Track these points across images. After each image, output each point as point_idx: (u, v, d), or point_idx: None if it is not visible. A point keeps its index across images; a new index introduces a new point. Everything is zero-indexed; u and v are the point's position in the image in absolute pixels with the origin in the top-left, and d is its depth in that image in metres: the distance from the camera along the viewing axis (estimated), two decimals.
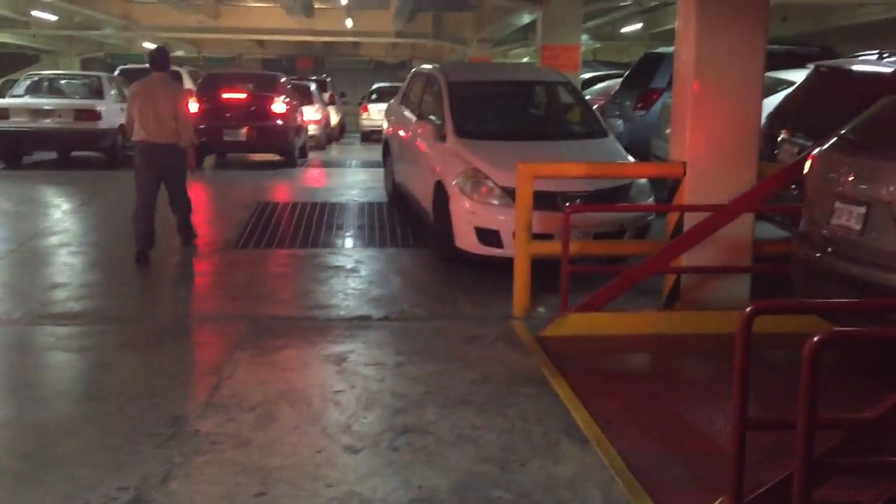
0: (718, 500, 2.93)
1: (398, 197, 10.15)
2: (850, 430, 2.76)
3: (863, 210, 4.28)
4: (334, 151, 20.32)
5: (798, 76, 8.21)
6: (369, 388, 4.51)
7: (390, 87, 25.99)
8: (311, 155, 17.85)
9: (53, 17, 25.82)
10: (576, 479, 3.46)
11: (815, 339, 2.49)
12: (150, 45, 34.08)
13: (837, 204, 4.47)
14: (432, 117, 8.48)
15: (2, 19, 24.88)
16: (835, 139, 4.78)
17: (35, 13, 24.88)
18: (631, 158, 7.71)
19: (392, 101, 11.55)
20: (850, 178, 4.45)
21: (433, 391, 4.45)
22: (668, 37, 24.39)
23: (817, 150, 4.87)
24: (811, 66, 7.77)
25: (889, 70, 6.50)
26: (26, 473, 3.49)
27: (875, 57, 7.63)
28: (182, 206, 7.97)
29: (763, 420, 3.05)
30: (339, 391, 4.47)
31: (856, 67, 7.21)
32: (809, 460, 2.52)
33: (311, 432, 3.92)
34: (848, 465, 2.73)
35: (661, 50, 13.61)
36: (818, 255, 4.57)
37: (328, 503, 3.25)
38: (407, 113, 9.71)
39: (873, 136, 4.69)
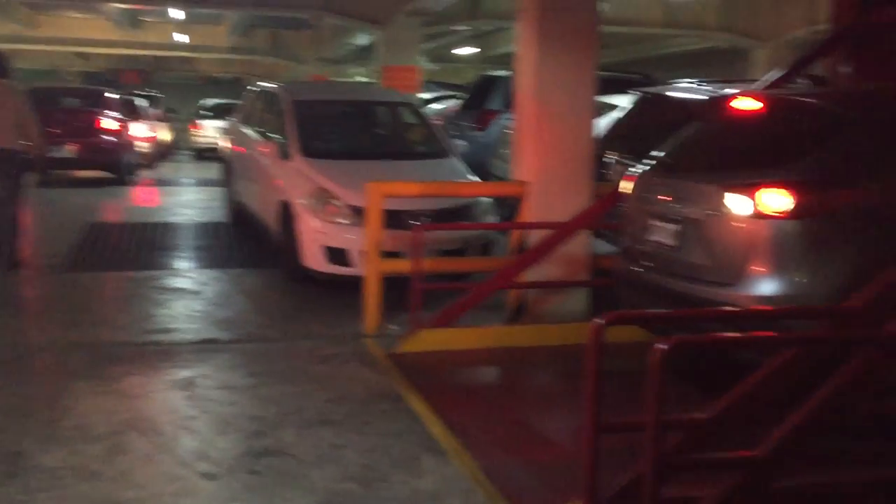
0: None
1: (240, 216, 9.93)
2: (691, 430, 3.00)
3: (676, 228, 4.61)
4: (166, 169, 19.59)
5: (621, 101, 8.77)
6: (222, 413, 4.41)
7: (225, 103, 25.41)
8: (143, 173, 17.14)
9: None
10: (438, 491, 3.54)
11: (664, 346, 2.70)
12: None
13: (654, 222, 4.79)
14: (276, 136, 8.39)
15: None
16: (650, 161, 5.16)
17: None
18: (474, 178, 7.95)
19: (232, 118, 11.32)
20: (664, 199, 4.78)
21: (289, 412, 4.41)
22: (502, 60, 25.39)
23: (634, 171, 5.23)
24: (637, 92, 8.33)
25: (704, 97, 7.08)
26: None
27: (694, 84, 8.30)
28: (7, 222, 7.45)
29: (614, 424, 3.26)
30: (190, 417, 4.34)
31: (675, 94, 7.81)
32: (658, 459, 2.72)
33: (165, 461, 3.78)
34: (691, 462, 2.97)
35: (496, 73, 14.12)
36: (638, 269, 4.89)
37: None
38: (249, 131, 9.56)
39: (683, 159, 5.07)
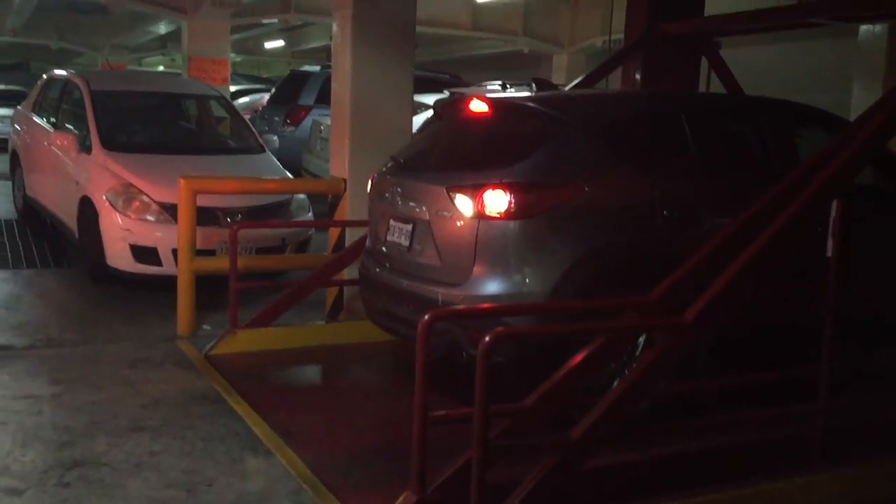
0: (403, 496, 3.17)
1: (31, 212, 9.24)
2: (514, 417, 3.16)
3: (408, 228, 4.68)
4: None
5: (432, 99, 8.97)
6: (24, 424, 4.11)
7: (6, 90, 23.41)
8: None
9: None
10: (265, 492, 3.50)
11: (487, 338, 2.83)
12: None
13: (390, 222, 4.83)
14: (73, 127, 7.88)
15: None
16: (389, 161, 5.20)
17: None
18: (288, 174, 7.86)
19: (20, 106, 10.47)
20: (398, 198, 4.74)
21: (100, 420, 4.19)
22: (309, 54, 25.14)
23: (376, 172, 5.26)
24: (449, 92, 8.57)
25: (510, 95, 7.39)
26: None
27: (499, 86, 8.67)
28: None
29: (442, 415, 3.37)
30: None
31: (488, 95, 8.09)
32: (485, 445, 2.85)
33: None
34: (513, 447, 3.13)
35: (307, 68, 14.05)
36: (377, 269, 4.87)
37: None
38: (40, 121, 8.90)
39: (416, 159, 5.16)
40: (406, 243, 4.61)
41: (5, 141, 11.56)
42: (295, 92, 13.20)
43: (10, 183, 10.52)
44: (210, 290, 6.01)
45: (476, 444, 2.85)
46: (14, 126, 10.32)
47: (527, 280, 4.11)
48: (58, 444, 3.88)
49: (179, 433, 4.08)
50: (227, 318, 5.53)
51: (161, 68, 32.17)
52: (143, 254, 6.57)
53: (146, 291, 6.67)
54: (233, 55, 26.47)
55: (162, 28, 20.65)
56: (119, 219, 6.61)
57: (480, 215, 4.14)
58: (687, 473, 3.47)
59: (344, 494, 3.49)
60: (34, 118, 9.15)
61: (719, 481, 3.44)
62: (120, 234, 6.60)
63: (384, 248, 4.82)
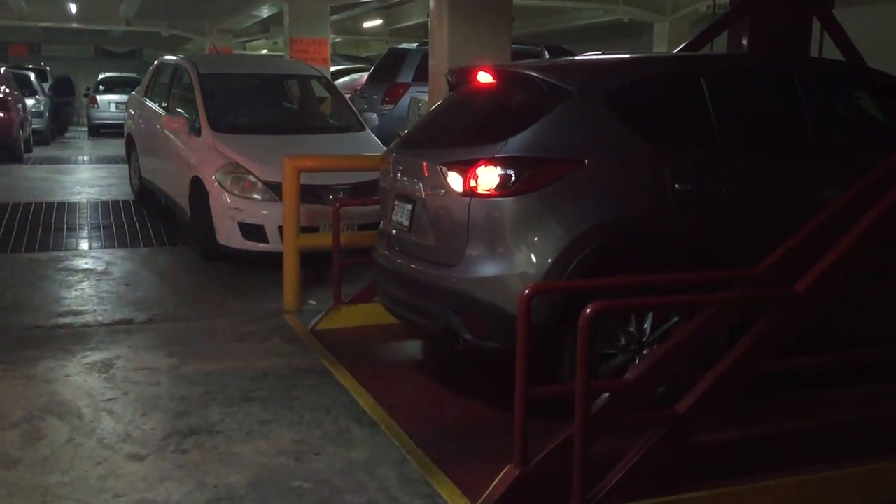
0: (506, 469, 3.18)
1: (146, 194, 9.67)
2: (616, 392, 3.13)
3: (409, 206, 4.46)
4: (61, 147, 18.78)
5: None
6: (143, 394, 4.33)
7: (121, 77, 24.47)
8: (37, 151, 16.39)
9: None
10: (370, 461, 3.58)
11: (589, 310, 2.80)
12: None
13: (395, 201, 4.67)
14: (183, 110, 8.18)
15: None
16: (398, 138, 5.07)
17: None
18: None
19: (133, 92, 10.94)
20: (399, 177, 4.62)
21: (213, 391, 4.36)
22: (408, 33, 25.24)
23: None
24: None
25: None
26: None
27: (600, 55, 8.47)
28: None
29: (543, 391, 3.36)
30: (110, 399, 4.24)
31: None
32: (587, 420, 2.83)
33: (88, 444, 3.70)
34: (617, 421, 3.10)
35: (405, 46, 14.08)
36: (384, 251, 4.74)
37: None
38: (153, 105, 9.28)
39: (421, 134, 4.99)
40: (406, 223, 4.48)
41: (121, 126, 12.10)
42: (393, 70, 13.27)
43: (126, 166, 11.03)
44: (315, 266, 6.15)
45: (578, 418, 2.83)
46: (129, 111, 10.80)
47: (521, 260, 3.89)
48: (175, 413, 4.07)
49: (288, 404, 4.21)
50: (331, 293, 5.66)
51: (264, 51, 32.98)
52: (251, 231, 6.79)
53: (254, 268, 6.89)
54: (332, 36, 26.92)
55: (265, 11, 21.12)
56: (228, 198, 6.84)
57: (472, 193, 3.96)
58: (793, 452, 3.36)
59: (447, 466, 3.53)
60: (147, 103, 9.54)
61: (831, 459, 3.32)
62: (229, 212, 6.83)
63: (389, 229, 4.73)
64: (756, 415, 3.77)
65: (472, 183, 3.94)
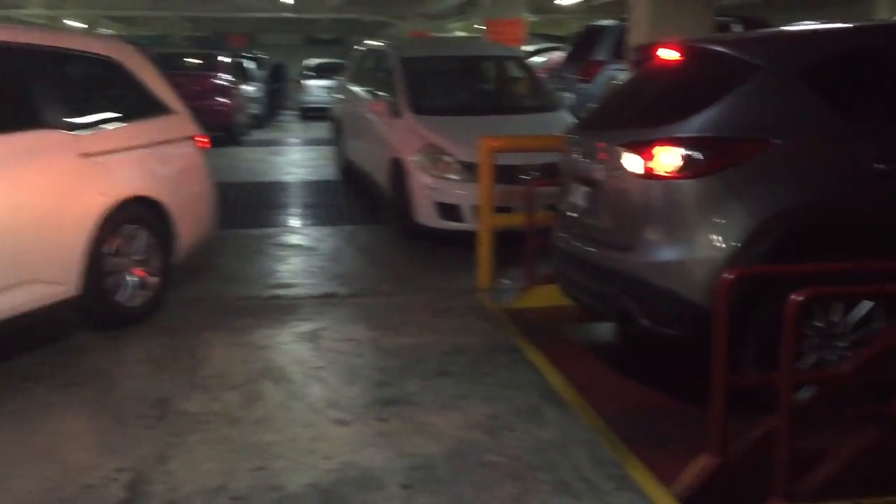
0: (703, 458, 3.10)
1: (351, 174, 10.16)
2: (826, 385, 2.95)
3: (587, 189, 4.38)
4: (274, 129, 20.09)
5: None
6: (348, 364, 4.59)
7: (328, 63, 25.72)
8: (253, 134, 17.64)
9: None
10: (561, 440, 3.61)
11: (797, 298, 2.66)
12: (74, 24, 33.05)
13: (573, 183, 4.59)
14: (386, 94, 8.50)
15: None
16: (578, 119, 4.90)
17: None
18: None
19: (341, 77, 11.51)
20: (578, 158, 4.54)
21: (411, 364, 4.55)
22: (607, 9, 24.71)
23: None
24: None
25: None
26: (16, 457, 3.48)
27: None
28: None
29: (744, 381, 3.23)
30: (318, 367, 4.53)
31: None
32: (793, 413, 2.70)
33: (298, 408, 3.98)
34: (826, 416, 2.93)
35: (602, 22, 13.81)
36: (562, 234, 4.68)
37: (328, 475, 3.32)
38: (358, 90, 9.71)
39: (600, 115, 4.80)
40: (584, 205, 4.41)
41: (328, 109, 12.78)
42: (590, 47, 13.07)
43: (332, 148, 11.65)
44: (508, 245, 6.23)
45: (783, 410, 2.71)
46: (335, 95, 11.37)
47: (702, 245, 3.71)
48: (376, 383, 4.29)
49: (481, 379, 4.32)
50: (523, 273, 5.71)
51: (460, 33, 33.52)
52: (447, 210, 6.97)
53: (450, 246, 7.08)
54: (528, 15, 26.90)
55: None
56: (425, 178, 7.06)
57: (650, 174, 3.83)
58: None
59: (639, 449, 3.49)
60: (352, 87, 10.01)
61: None
62: (426, 192, 7.05)
63: (567, 211, 4.65)
64: None
65: (651, 164, 3.84)
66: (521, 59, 9.30)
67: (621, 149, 4.02)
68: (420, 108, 7.70)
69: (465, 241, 6.50)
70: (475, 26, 25.68)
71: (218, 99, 14.51)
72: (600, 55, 12.63)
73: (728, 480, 2.97)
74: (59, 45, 4.99)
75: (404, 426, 3.76)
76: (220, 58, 15.99)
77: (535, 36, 23.87)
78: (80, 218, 4.68)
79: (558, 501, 3.12)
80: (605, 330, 5.57)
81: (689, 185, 3.76)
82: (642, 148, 3.89)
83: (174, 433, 3.69)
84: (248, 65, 19.97)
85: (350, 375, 4.41)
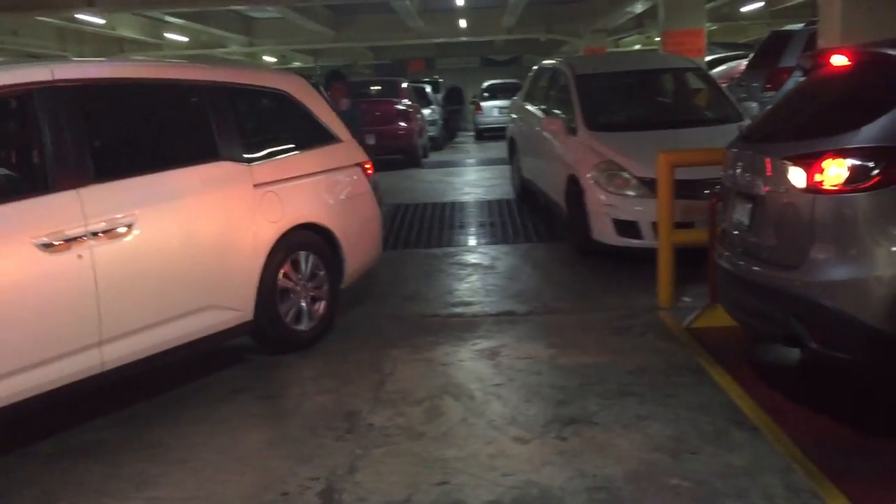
0: None
1: (526, 192, 10.23)
2: None
3: (749, 205, 4.15)
4: (452, 151, 20.57)
5: None
6: (526, 381, 4.61)
7: (503, 83, 26.07)
8: (432, 155, 18.16)
9: (184, 39, 27.22)
10: (752, 467, 3.45)
11: None
12: (268, 59, 35.48)
13: (735, 199, 4.36)
14: (560, 111, 8.51)
15: (136, 42, 26.41)
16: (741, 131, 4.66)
17: (168, 35, 26.31)
18: None
19: (515, 97, 11.64)
20: (740, 173, 4.34)
21: (591, 383, 4.51)
22: (790, 14, 23.55)
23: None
24: None
25: None
26: (221, 464, 3.77)
27: None
28: None
29: None
30: (497, 384, 4.59)
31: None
32: None
33: (479, 424, 4.05)
34: None
35: (789, 28, 13.17)
36: (725, 251, 4.47)
37: (509, 492, 3.36)
38: (533, 108, 9.78)
39: (764, 126, 4.52)
40: (747, 222, 4.18)
41: (504, 129, 12.95)
42: (775, 54, 12.47)
43: (508, 167, 11.79)
44: (689, 262, 6.04)
45: None
46: (511, 115, 11.51)
47: (876, 263, 3.44)
48: (555, 402, 4.28)
49: (663, 400, 4.21)
50: (705, 290, 5.52)
51: (637, 47, 32.95)
52: (625, 227, 6.86)
53: (628, 263, 6.96)
54: (708, 24, 26.10)
55: (638, 7, 21.10)
56: (602, 195, 6.99)
57: (817, 188, 3.58)
58: None
59: (837, 479, 3.28)
60: (527, 106, 10.09)
61: None
62: (603, 209, 6.98)
63: (730, 229, 4.43)
64: None
65: (818, 177, 3.64)
66: (700, 70, 9.02)
67: (786, 162, 3.85)
68: (595, 125, 7.65)
69: (645, 259, 6.37)
70: (654, 39, 25.16)
71: (400, 123, 15.06)
72: (787, 62, 12.03)
73: None
74: (236, 80, 5.23)
75: (584, 446, 3.74)
76: (401, 84, 16.61)
77: (716, 45, 23.08)
78: (255, 245, 4.87)
79: None
80: (793, 351, 5.28)
81: (860, 198, 3.54)
82: (810, 160, 3.70)
83: (362, 445, 3.86)
84: (427, 89, 20.61)
85: (529, 393, 4.43)
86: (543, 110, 9.26)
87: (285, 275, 5.15)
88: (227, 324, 4.75)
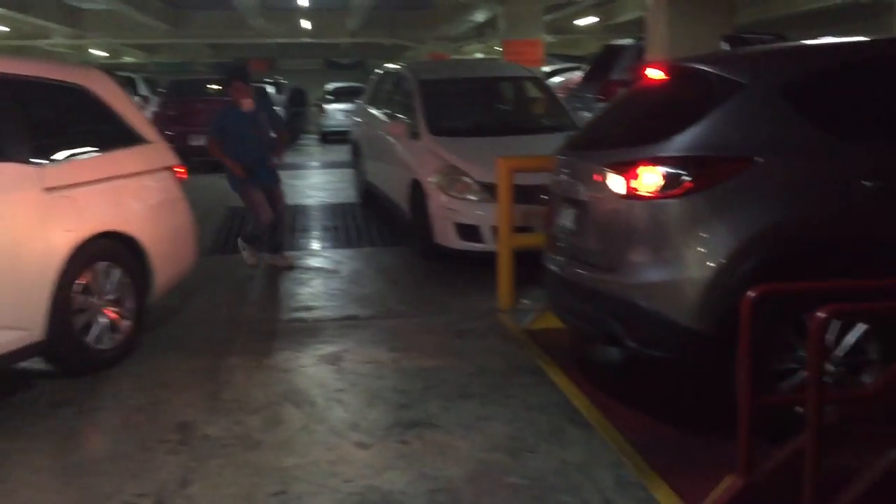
0: (728, 480, 3.05)
1: (370, 196, 10.19)
2: (851, 404, 2.90)
3: (573, 210, 4.36)
4: (295, 153, 20.22)
5: None
6: (370, 386, 4.58)
7: (347, 87, 25.92)
8: (274, 158, 17.73)
9: (4, 29, 25.34)
10: (585, 462, 3.57)
11: (821, 315, 2.62)
12: (98, 53, 33.61)
13: (560, 204, 4.57)
14: (404, 116, 8.54)
15: None
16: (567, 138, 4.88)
17: None
18: None
19: (359, 101, 11.58)
20: (565, 179, 4.52)
21: (433, 385, 4.53)
22: (623, 29, 24.79)
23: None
24: None
25: None
26: (39, 483, 3.49)
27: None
28: None
29: (772, 399, 3.19)
30: (340, 390, 4.52)
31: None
32: (820, 432, 2.65)
33: (320, 431, 3.97)
34: (855, 436, 2.88)
35: (620, 42, 13.84)
36: (550, 254, 4.66)
37: (349, 498, 3.31)
38: (377, 112, 9.76)
39: (585, 134, 4.78)
40: (571, 226, 4.39)
41: (347, 133, 12.86)
42: (608, 67, 13.10)
43: (352, 170, 11.70)
44: (529, 265, 6.20)
45: (810, 429, 2.66)
46: (354, 119, 11.45)
47: (685, 266, 3.68)
48: (397, 406, 4.27)
49: (503, 401, 4.29)
50: (544, 293, 5.68)
51: (479, 55, 33.71)
52: (466, 231, 6.97)
53: (469, 267, 7.07)
54: (545, 36, 27.02)
55: (479, 16, 21.61)
56: (444, 199, 7.07)
57: (633, 195, 3.80)
58: None
59: (665, 473, 3.45)
60: (371, 110, 10.07)
61: None
62: (445, 213, 7.05)
63: (556, 233, 4.63)
64: None
65: (634, 184, 3.81)
66: (538, 80, 9.31)
67: (605, 169, 4.00)
68: (438, 130, 7.73)
69: (486, 262, 6.49)
70: (495, 48, 25.80)
71: None
72: (618, 74, 12.65)
73: (754, 501, 2.91)
74: (20, 73, 4.70)
75: (426, 448, 3.74)
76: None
77: (554, 56, 23.97)
78: (45, 256, 4.39)
79: None
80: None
81: (671, 205, 3.73)
82: (626, 168, 3.87)
83: (196, 457, 3.69)
84: (269, 90, 20.15)
85: (371, 398, 4.39)
86: (387, 115, 9.26)
87: (84, 289, 4.69)
88: (11, 345, 4.22)
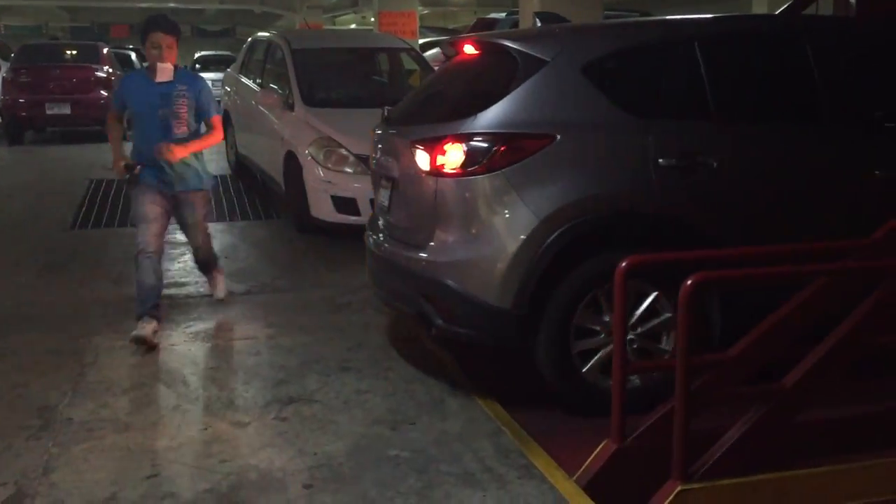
0: (602, 444, 3.16)
1: (242, 168, 9.91)
2: (717, 368, 3.05)
3: (389, 187, 4.32)
4: None
5: None
6: (245, 363, 4.46)
7: (216, 55, 25.09)
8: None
9: None
10: (465, 432, 3.61)
11: (690, 282, 2.73)
12: None
13: (379, 181, 4.53)
14: (277, 86, 8.32)
15: None
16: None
17: None
18: None
19: (229, 70, 11.19)
20: (381, 155, 4.47)
21: (311, 360, 4.46)
22: (498, 3, 24.95)
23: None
24: None
25: None
26: None
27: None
28: None
29: (643, 364, 3.30)
30: (214, 368, 4.40)
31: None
32: (688, 395, 2.77)
33: (194, 411, 3.84)
34: (719, 397, 3.03)
35: (493, 16, 13.96)
36: (371, 233, 4.61)
37: (226, 479, 3.21)
38: (248, 82, 9.47)
39: (400, 110, 4.77)
40: (386, 203, 4.36)
41: (218, 103, 12.40)
42: None
43: (223, 142, 11.33)
44: None
45: (679, 393, 2.78)
46: (224, 88, 11.06)
47: (488, 243, 3.72)
48: (275, 382, 4.18)
49: (383, 374, 4.28)
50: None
51: (353, 26, 33.28)
52: (343, 204, 6.87)
53: (347, 240, 6.99)
54: (420, 8, 26.91)
55: None
56: (320, 171, 6.94)
57: (439, 171, 3.79)
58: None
59: (542, 439, 3.53)
60: (242, 79, 9.75)
61: None
62: (321, 186, 6.93)
63: (375, 210, 4.60)
64: (863, 393, 3.62)
65: (439, 161, 3.78)
66: (414, 51, 9.27)
67: (413, 145, 3.95)
68: (313, 101, 7.57)
69: (362, 236, 6.42)
70: (370, 19, 25.53)
71: (101, 92, 13.88)
72: None
73: (628, 464, 3.03)
74: None
75: (305, 424, 3.68)
76: (102, 49, 15.32)
77: (428, 29, 23.94)
78: None
79: (463, 493, 3.11)
80: None
81: (474, 182, 3.70)
82: (431, 144, 3.83)
83: (58, 443, 3.49)
84: (133, 56, 19.20)
85: (247, 375, 4.28)
86: (259, 84, 9.00)
87: None
88: None
